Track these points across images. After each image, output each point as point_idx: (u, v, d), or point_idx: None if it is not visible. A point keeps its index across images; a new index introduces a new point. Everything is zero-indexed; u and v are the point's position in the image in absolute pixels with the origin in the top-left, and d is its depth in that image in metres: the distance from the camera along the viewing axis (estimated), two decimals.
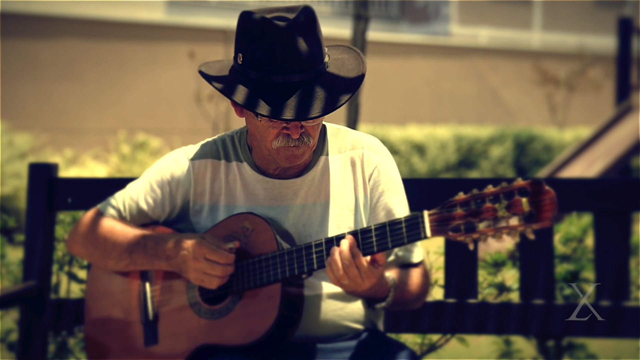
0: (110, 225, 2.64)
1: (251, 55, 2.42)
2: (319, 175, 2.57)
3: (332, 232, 2.53)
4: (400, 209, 2.59)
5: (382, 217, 2.57)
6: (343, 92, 2.43)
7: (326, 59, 2.46)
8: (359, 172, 2.59)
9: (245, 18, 2.43)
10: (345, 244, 2.36)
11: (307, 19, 2.42)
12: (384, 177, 2.59)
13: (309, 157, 2.55)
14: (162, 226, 2.65)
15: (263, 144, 2.49)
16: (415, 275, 2.59)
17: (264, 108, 2.38)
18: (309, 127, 2.46)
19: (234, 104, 2.49)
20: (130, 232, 2.61)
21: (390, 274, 2.53)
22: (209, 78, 2.48)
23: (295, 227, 2.56)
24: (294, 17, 2.40)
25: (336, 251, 2.37)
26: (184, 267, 2.52)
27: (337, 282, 2.39)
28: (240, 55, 2.44)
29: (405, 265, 2.60)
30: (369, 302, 2.54)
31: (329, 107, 2.39)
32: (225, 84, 2.45)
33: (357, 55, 2.52)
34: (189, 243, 2.51)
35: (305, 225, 2.56)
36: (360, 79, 2.46)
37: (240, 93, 2.42)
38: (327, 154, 2.59)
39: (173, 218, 2.65)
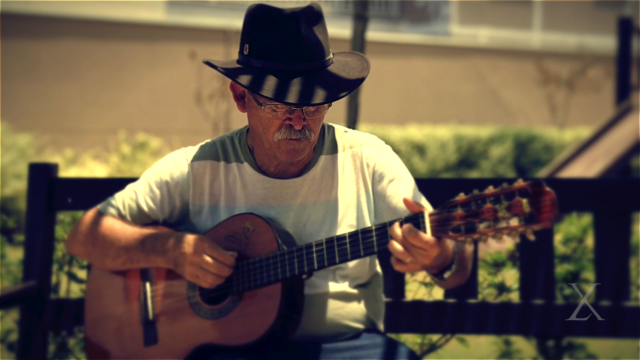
0: (110, 224, 2.65)
1: (257, 44, 2.44)
2: (319, 174, 2.58)
3: (333, 231, 2.54)
4: (408, 194, 2.55)
5: (393, 206, 2.55)
6: (346, 84, 2.46)
7: (330, 56, 2.49)
8: (359, 170, 2.59)
9: (254, 8, 2.47)
10: (395, 226, 2.28)
11: (314, 13, 2.46)
12: (386, 168, 2.59)
13: (309, 155, 2.56)
14: (163, 226, 2.65)
15: (265, 136, 2.50)
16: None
17: (268, 90, 2.39)
18: (310, 121, 2.48)
19: (237, 97, 2.53)
20: (129, 229, 2.63)
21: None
22: (215, 66, 2.49)
23: (296, 227, 2.56)
24: (301, 8, 2.44)
25: (394, 231, 2.28)
26: (181, 260, 2.52)
27: (405, 266, 2.30)
28: (247, 45, 2.47)
29: None
30: (439, 274, 2.41)
31: (333, 96, 2.41)
32: (230, 71, 2.47)
33: (360, 57, 2.56)
34: (190, 238, 2.53)
35: (306, 225, 2.56)
36: (364, 72, 2.49)
37: (245, 78, 2.44)
38: (326, 153, 2.59)
39: (174, 220, 2.66)
